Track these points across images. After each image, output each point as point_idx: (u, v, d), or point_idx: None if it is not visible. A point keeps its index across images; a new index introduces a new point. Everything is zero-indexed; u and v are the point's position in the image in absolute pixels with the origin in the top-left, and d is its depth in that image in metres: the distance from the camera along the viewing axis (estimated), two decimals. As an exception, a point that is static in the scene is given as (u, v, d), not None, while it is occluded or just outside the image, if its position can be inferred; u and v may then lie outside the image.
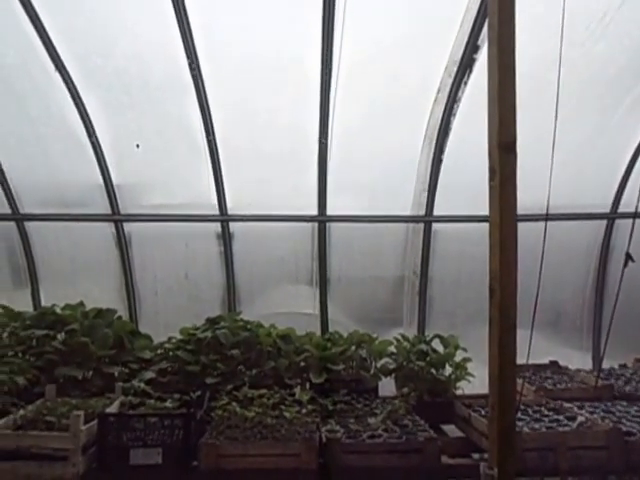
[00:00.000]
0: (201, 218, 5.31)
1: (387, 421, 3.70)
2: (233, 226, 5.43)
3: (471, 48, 4.08)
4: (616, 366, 5.69)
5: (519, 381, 4.93)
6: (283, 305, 5.80)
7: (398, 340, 4.95)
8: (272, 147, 4.97)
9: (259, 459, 3.31)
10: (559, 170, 5.25)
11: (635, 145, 4.99)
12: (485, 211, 5.03)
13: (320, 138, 4.71)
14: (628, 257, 3.73)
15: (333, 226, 5.48)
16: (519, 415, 3.99)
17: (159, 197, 5.32)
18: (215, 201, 5.24)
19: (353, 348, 4.80)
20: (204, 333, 4.68)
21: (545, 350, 5.90)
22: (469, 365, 4.70)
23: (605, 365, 5.81)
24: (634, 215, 5.24)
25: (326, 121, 4.59)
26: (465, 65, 4.22)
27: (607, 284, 5.86)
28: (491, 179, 3.02)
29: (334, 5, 3.83)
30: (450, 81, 4.35)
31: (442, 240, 5.56)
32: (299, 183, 5.22)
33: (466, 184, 5.05)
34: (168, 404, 3.75)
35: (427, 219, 5.31)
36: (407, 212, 5.35)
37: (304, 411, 3.66)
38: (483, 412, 3.95)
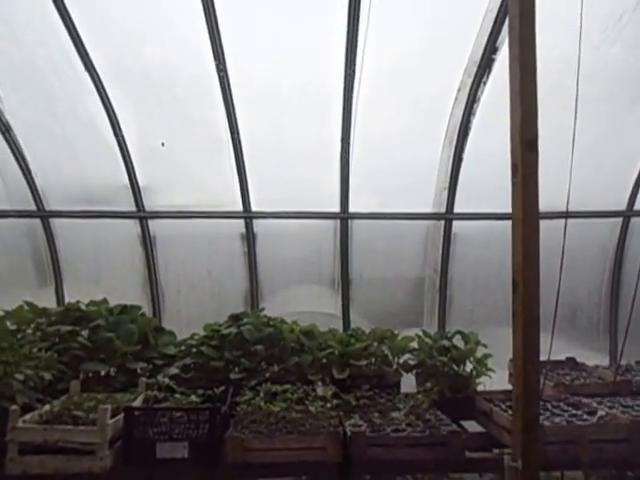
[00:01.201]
0: (225, 215, 5.40)
1: (410, 416, 3.75)
2: (256, 225, 5.50)
3: (490, 49, 4.13)
4: (633, 363, 5.70)
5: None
6: (304, 303, 5.86)
7: (419, 336, 5.00)
8: (296, 146, 5.03)
9: (285, 453, 3.37)
10: (576, 169, 5.33)
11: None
12: (504, 209, 5.10)
13: (343, 138, 4.77)
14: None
15: (355, 225, 5.53)
16: (539, 410, 4.04)
17: (183, 195, 5.41)
18: (239, 199, 5.31)
19: (375, 344, 4.85)
20: (228, 329, 4.76)
21: (561, 347, 5.90)
22: (491, 360, 4.74)
23: (621, 362, 5.84)
24: (630, 215, 5.31)
25: (349, 120, 4.65)
26: (485, 65, 4.27)
27: (623, 283, 5.87)
28: (514, 175, 3.07)
29: (359, 8, 3.89)
30: (470, 81, 4.40)
31: (462, 238, 5.61)
32: (322, 182, 5.29)
33: (486, 182, 5.10)
34: (193, 398, 3.81)
35: (447, 216, 5.36)
36: (429, 210, 5.39)
37: (328, 406, 3.71)
38: (504, 407, 4.00)
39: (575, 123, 3.31)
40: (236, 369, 4.46)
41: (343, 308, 5.61)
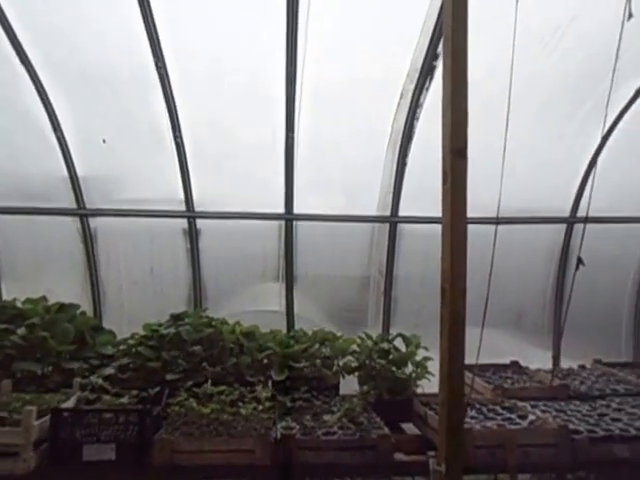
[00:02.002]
0: (167, 214, 5.30)
1: (343, 419, 3.74)
2: (200, 222, 5.43)
3: (431, 56, 4.16)
4: (575, 366, 5.83)
5: (476, 378, 5.10)
6: (251, 302, 5.81)
7: (362, 339, 5.01)
8: (239, 145, 4.97)
9: (214, 455, 3.32)
10: (523, 176, 5.43)
11: (592, 152, 5.13)
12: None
13: (287, 137, 4.74)
14: (579, 261, 3.84)
15: (301, 225, 5.51)
16: (474, 413, 4.09)
17: (126, 192, 5.28)
18: (182, 198, 5.23)
19: (317, 346, 4.84)
20: (167, 329, 4.68)
21: (510, 350, 6.04)
22: (432, 364, 4.78)
23: (565, 365, 5.97)
24: (585, 220, 5.43)
25: (292, 120, 4.62)
26: (426, 72, 4.30)
27: (566, 286, 6.00)
28: (444, 183, 3.10)
29: (297, 10, 3.88)
30: (412, 87, 4.43)
31: (408, 240, 5.64)
32: (267, 182, 5.23)
33: (431, 186, 5.09)
34: (124, 400, 3.73)
35: (392, 220, 5.39)
36: (373, 212, 5.41)
37: (260, 408, 3.68)
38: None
39: (506, 131, 3.33)
40: (174, 370, 4.38)
41: (287, 309, 5.58)
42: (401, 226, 5.53)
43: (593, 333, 6.34)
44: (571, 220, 5.68)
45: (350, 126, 4.80)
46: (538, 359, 6.17)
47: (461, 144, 3.01)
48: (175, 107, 4.63)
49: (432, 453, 3.87)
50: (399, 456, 3.54)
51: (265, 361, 4.71)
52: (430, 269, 5.71)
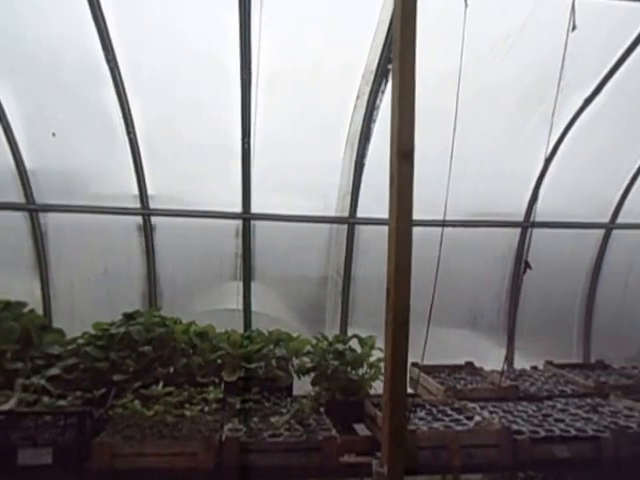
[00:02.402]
0: (121, 211, 5.18)
1: (291, 420, 3.73)
2: (156, 220, 5.33)
3: (386, 58, 4.17)
4: (528, 367, 5.94)
5: (429, 378, 5.15)
6: (209, 302, 5.75)
7: (318, 339, 5.01)
8: (196, 142, 4.90)
9: (156, 459, 3.27)
10: (478, 180, 5.52)
11: (544, 158, 5.23)
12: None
13: (243, 137, 4.70)
14: (526, 265, 3.91)
15: (259, 224, 5.48)
16: (423, 414, 4.13)
17: (78, 187, 5.15)
18: (137, 194, 5.13)
19: (271, 346, 4.81)
20: (118, 329, 4.58)
21: (468, 350, 6.12)
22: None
23: (520, 366, 6.08)
24: (531, 225, 5.56)
25: (248, 120, 4.57)
26: (381, 75, 4.32)
27: (521, 289, 6.11)
28: (391, 185, 3.11)
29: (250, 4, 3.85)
30: (368, 89, 4.43)
31: (366, 241, 5.65)
32: (225, 179, 5.17)
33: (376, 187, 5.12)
34: (65, 402, 3.64)
35: (350, 221, 5.40)
36: (332, 213, 5.41)
37: (207, 409, 3.63)
38: (388, 411, 4.05)
39: (454, 137, 3.37)
40: (123, 370, 4.30)
41: (244, 309, 5.54)
42: (360, 227, 5.54)
43: (547, 335, 6.50)
44: (525, 224, 5.78)
45: (308, 126, 4.78)
46: (495, 360, 6.28)
47: (408, 147, 3.02)
48: (127, 102, 4.54)
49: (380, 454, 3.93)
50: (345, 457, 3.53)
51: (219, 361, 4.66)
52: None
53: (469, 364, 5.78)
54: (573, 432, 3.76)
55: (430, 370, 5.54)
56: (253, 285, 5.68)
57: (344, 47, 4.17)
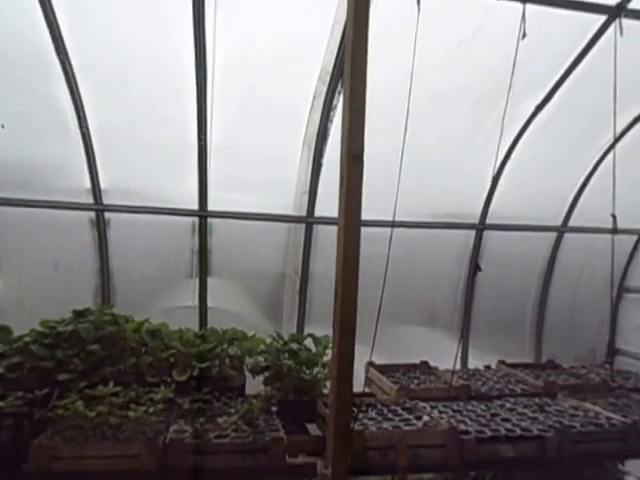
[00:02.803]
0: (73, 206, 5.03)
1: (239, 421, 3.69)
2: (110, 216, 5.20)
3: (342, 59, 4.14)
4: (481, 367, 6.03)
5: (383, 378, 5.19)
6: (165, 299, 5.64)
7: (274, 338, 4.97)
8: (152, 139, 4.79)
9: (96, 461, 3.19)
10: (437, 183, 5.58)
11: (499, 161, 5.33)
12: (368, 215, 5.22)
13: (199, 133, 4.62)
14: (476, 267, 3.97)
15: (217, 222, 5.40)
16: (373, 414, 4.14)
17: (28, 181, 4.97)
18: (90, 189, 4.99)
19: (225, 345, 4.75)
20: (66, 327, 4.44)
21: (423, 349, 6.18)
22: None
23: (473, 365, 6.18)
24: (482, 227, 5.67)
25: (204, 117, 4.50)
26: (337, 75, 4.30)
27: (476, 289, 6.21)
28: (340, 185, 3.10)
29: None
30: (324, 89, 4.42)
31: (324, 240, 5.63)
32: (181, 176, 5.08)
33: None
34: (4, 403, 3.51)
35: (308, 220, 5.37)
36: (290, 212, 5.38)
37: (152, 410, 3.56)
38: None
39: (404, 140, 3.37)
40: (69, 369, 4.17)
41: (200, 307, 5.46)
42: (317, 226, 5.52)
43: (501, 334, 6.62)
44: (479, 226, 5.87)
45: (266, 125, 4.73)
46: (450, 359, 6.37)
47: (358, 149, 3.03)
48: (80, 96, 4.40)
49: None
50: (293, 458, 3.51)
51: (171, 360, 4.58)
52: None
53: (424, 363, 5.83)
54: (518, 432, 3.84)
55: (385, 369, 5.58)
56: (211, 282, 5.61)
57: (301, 46, 4.13)
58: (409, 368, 5.74)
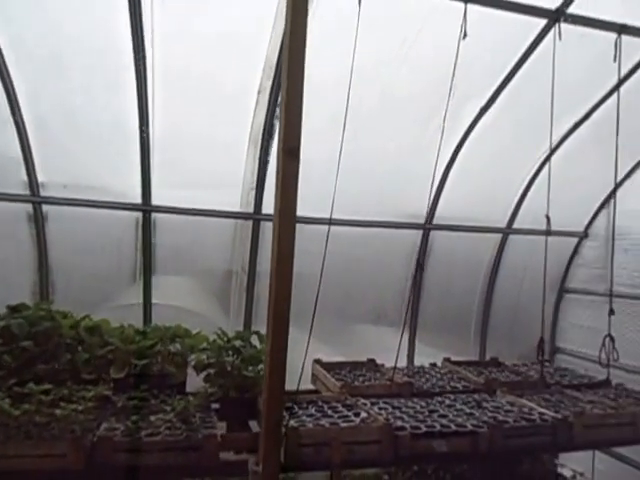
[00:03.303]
0: (8, 197, 4.85)
1: (174, 418, 3.63)
2: (49, 208, 5.04)
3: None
4: (427, 365, 6.13)
5: (328, 375, 5.20)
6: (107, 295, 5.52)
7: (219, 335, 4.92)
8: (93, 131, 4.67)
9: (20, 461, 3.09)
10: (385, 182, 5.63)
11: (446, 160, 5.43)
12: (320, 213, 5.23)
13: (140, 125, 4.53)
14: (419, 266, 4.03)
15: (162, 217, 5.31)
16: (313, 411, 4.15)
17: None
18: (26, 179, 4.82)
19: (166, 342, 4.68)
20: (-1, 322, 4.30)
21: (372, 347, 6.23)
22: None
23: (419, 363, 6.26)
24: (429, 228, 5.76)
25: (145, 109, 4.41)
26: (281, 70, 4.26)
27: (423, 287, 6.30)
28: (276, 182, 3.09)
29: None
30: (269, 84, 4.39)
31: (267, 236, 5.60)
32: (124, 170, 4.98)
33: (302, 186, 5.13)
34: None
35: (255, 217, 5.34)
36: (237, 209, 5.33)
37: (81, 408, 3.47)
38: (279, 408, 4.04)
39: (343, 136, 3.36)
40: (-1, 366, 4.03)
41: (144, 303, 5.37)
42: (265, 223, 5.49)
43: (447, 333, 6.75)
44: (427, 227, 5.97)
45: (211, 119, 4.68)
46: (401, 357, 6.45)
47: (294, 144, 3.03)
48: (12, 83, 4.24)
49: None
50: (229, 455, 3.48)
51: (110, 357, 4.47)
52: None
53: (371, 361, 5.87)
54: (453, 427, 3.91)
55: (332, 367, 5.61)
56: (158, 279, 5.52)
57: (245, 38, 4.08)
58: (356, 366, 5.78)
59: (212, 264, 5.63)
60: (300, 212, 5.37)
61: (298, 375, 5.67)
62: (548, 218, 4.02)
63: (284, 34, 3.02)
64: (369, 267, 6.20)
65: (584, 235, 6.55)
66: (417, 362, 6.37)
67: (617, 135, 4.27)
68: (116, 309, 5.43)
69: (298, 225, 5.45)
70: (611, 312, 4.28)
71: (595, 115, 5.19)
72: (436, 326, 6.63)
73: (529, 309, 6.74)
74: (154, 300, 5.54)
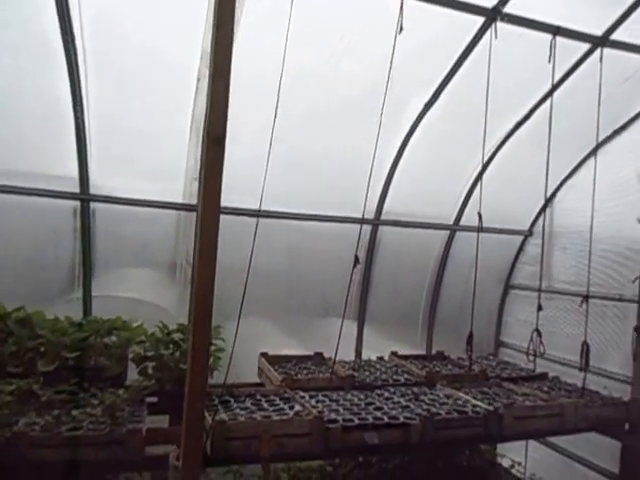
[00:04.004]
0: None
1: (102, 412, 3.55)
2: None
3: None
4: (374, 357, 6.16)
5: (270, 369, 5.17)
6: (45, 288, 5.35)
7: (160, 328, 4.84)
8: (23, 112, 4.49)
9: None
10: (334, 176, 5.62)
11: (393, 156, 5.45)
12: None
13: (75, 113, 4.38)
14: (356, 259, 4.03)
15: (102, 207, 5.17)
16: (249, 404, 4.12)
17: None
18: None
19: (103, 334, 4.58)
20: None
21: (321, 340, 6.22)
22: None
23: (367, 356, 6.29)
24: (377, 223, 5.78)
25: (79, 94, 4.27)
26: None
27: (372, 280, 6.33)
28: (202, 170, 3.04)
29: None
30: (207, 72, 4.30)
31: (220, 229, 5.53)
32: (61, 156, 4.81)
33: (243, 176, 5.07)
34: None
35: (197, 208, 5.24)
36: (179, 199, 5.24)
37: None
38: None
39: (273, 127, 3.32)
40: None
41: (84, 295, 5.22)
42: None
43: (396, 327, 6.80)
44: (375, 222, 5.99)
45: (150, 106, 4.57)
46: (349, 351, 6.47)
47: (219, 133, 2.98)
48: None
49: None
50: (153, 449, 3.43)
51: (42, 349, 4.35)
52: (238, 258, 5.69)
53: (318, 354, 5.88)
54: (386, 420, 3.93)
55: (278, 360, 5.59)
56: (99, 270, 5.38)
57: (181, 22, 3.98)
58: (302, 359, 5.78)
59: (156, 256, 5.51)
60: (246, 205, 5.40)
61: (246, 368, 5.70)
62: (480, 215, 4.07)
63: (213, 25, 2.95)
64: (319, 261, 6.19)
65: (529, 233, 6.69)
66: (366, 356, 6.37)
67: (549, 135, 4.35)
68: (57, 302, 5.28)
69: (247, 218, 5.49)
70: (539, 308, 4.37)
71: (536, 115, 5.27)
72: (385, 320, 6.66)
73: (475, 305, 6.85)
74: (99, 292, 5.41)
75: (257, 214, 3.55)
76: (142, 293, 5.68)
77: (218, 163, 2.95)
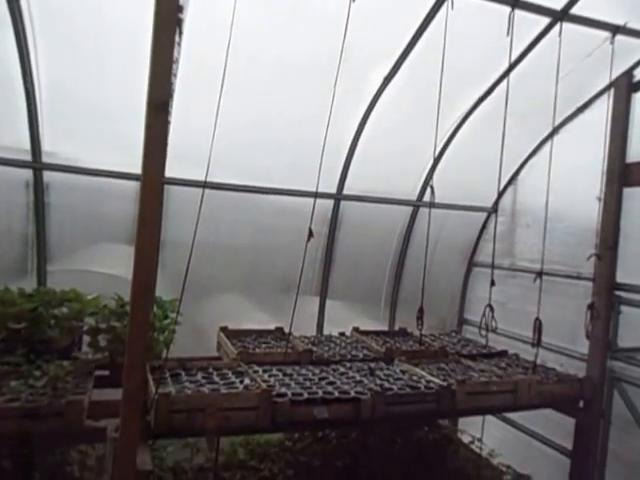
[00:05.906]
0: None
1: (42, 384, 3.49)
2: None
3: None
4: (336, 333, 6.16)
5: (228, 343, 5.14)
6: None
7: (116, 300, 4.76)
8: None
9: None
10: (298, 152, 5.52)
11: (354, 130, 5.37)
12: (217, 178, 5.05)
13: (24, 77, 4.21)
14: (310, 233, 3.98)
15: (57, 177, 5.02)
16: (199, 377, 4.09)
17: None
18: None
19: (54, 305, 4.49)
20: None
21: (282, 316, 6.17)
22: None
23: (329, 332, 6.29)
24: (339, 198, 5.72)
25: (27, 59, 4.11)
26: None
27: (334, 256, 6.30)
28: (144, 138, 2.94)
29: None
30: (161, 42, 4.15)
31: (178, 204, 5.41)
32: (10, 122, 4.64)
33: (198, 147, 4.94)
34: None
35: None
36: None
37: None
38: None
39: (217, 110, 3.25)
40: None
41: (38, 266, 5.11)
42: (170, 188, 5.29)
43: (359, 302, 6.81)
44: (337, 197, 5.93)
45: (105, 74, 4.42)
46: (309, 326, 6.45)
47: (163, 98, 2.90)
48: None
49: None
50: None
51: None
52: (200, 234, 5.61)
53: (279, 329, 5.87)
54: (336, 394, 3.93)
55: (237, 335, 5.56)
56: (55, 242, 5.26)
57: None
58: (262, 334, 5.76)
59: (115, 230, 5.40)
60: (209, 178, 5.28)
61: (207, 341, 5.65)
62: (432, 188, 4.04)
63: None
64: (281, 236, 6.12)
65: (493, 210, 6.70)
66: (329, 332, 6.36)
67: (505, 111, 4.30)
68: (11, 276, 5.15)
69: (211, 191, 5.37)
70: (492, 283, 4.39)
71: (500, 91, 5.20)
72: (348, 296, 6.67)
73: (438, 281, 6.89)
74: (57, 266, 5.29)
75: (203, 185, 3.44)
76: (103, 266, 5.57)
77: (161, 130, 2.89)
